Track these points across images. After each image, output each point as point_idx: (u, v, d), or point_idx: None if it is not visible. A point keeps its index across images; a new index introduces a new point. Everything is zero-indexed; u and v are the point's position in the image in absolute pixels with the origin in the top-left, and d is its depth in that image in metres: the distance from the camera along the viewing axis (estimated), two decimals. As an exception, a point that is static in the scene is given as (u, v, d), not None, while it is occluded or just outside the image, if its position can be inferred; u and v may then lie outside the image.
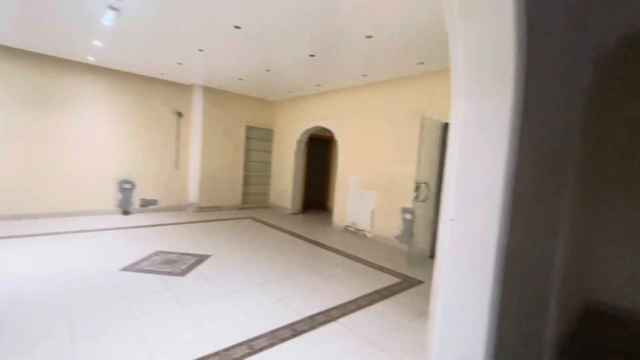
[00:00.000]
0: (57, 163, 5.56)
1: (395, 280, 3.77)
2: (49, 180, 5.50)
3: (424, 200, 4.27)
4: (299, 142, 7.43)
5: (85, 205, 5.89)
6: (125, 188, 6.30)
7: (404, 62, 4.40)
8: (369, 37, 3.59)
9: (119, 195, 6.25)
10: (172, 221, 6.01)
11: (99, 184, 6.02)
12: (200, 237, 5.03)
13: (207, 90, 6.97)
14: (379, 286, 3.54)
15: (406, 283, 3.69)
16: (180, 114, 6.88)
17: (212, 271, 3.62)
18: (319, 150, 8.82)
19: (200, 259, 4.00)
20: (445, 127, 4.59)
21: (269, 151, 8.27)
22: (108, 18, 3.54)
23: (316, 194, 9.01)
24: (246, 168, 7.84)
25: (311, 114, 7.03)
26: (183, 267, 3.66)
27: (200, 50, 4.55)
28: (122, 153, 6.24)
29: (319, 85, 6.09)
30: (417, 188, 4.28)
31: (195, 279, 3.37)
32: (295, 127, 7.47)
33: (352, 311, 2.92)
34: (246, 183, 7.89)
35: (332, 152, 8.35)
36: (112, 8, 3.40)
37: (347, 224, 6.08)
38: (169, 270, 3.56)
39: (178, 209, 7.05)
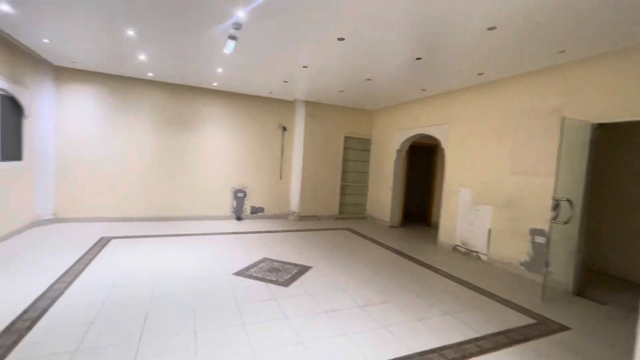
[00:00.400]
0: (187, 174, 6.60)
1: (528, 320, 3.05)
2: (181, 189, 6.56)
3: (566, 222, 3.39)
4: (398, 151, 7.04)
5: (207, 211, 6.80)
6: (239, 197, 7.03)
7: (537, 53, 3.63)
8: (491, 28, 3.07)
9: (234, 203, 7.01)
10: (276, 229, 6.39)
11: (218, 192, 6.88)
12: (301, 246, 5.16)
13: (309, 104, 7.27)
14: (505, 326, 2.91)
15: (544, 326, 2.94)
16: (284, 128, 7.36)
17: (314, 285, 3.60)
18: (422, 159, 8.21)
19: (302, 270, 4.05)
20: (597, 129, 3.59)
21: (366, 161, 8.11)
22: (229, 47, 3.98)
23: (417, 206, 8.39)
24: (343, 178, 7.85)
25: (413, 121, 6.58)
26: (286, 277, 3.75)
27: (304, 67, 4.73)
28: (236, 165, 7.01)
29: (424, 89, 5.64)
30: (556, 206, 3.42)
31: (297, 291, 3.39)
32: (394, 136, 7.12)
33: (474, 354, 2.43)
34: (343, 193, 7.89)
35: (437, 161, 7.64)
36: (232, 38, 3.79)
37: (456, 243, 5.38)
38: (274, 279, 3.69)
39: (281, 216, 7.50)
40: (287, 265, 4.18)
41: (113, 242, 4.73)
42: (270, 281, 3.62)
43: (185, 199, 6.60)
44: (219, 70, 5.19)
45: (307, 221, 7.35)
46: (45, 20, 3.66)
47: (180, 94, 6.40)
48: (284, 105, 7.35)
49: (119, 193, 6.07)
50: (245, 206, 7.13)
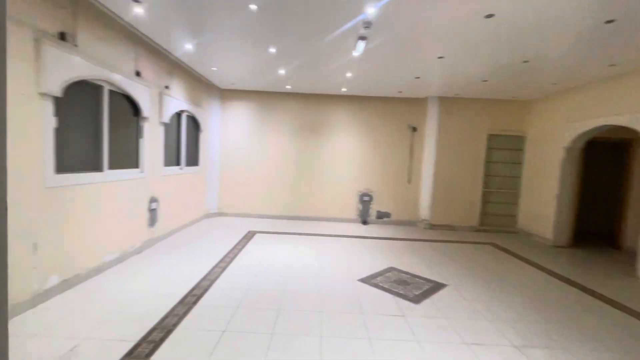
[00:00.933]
0: (318, 177, 6.97)
1: None
2: (312, 191, 6.98)
3: None
4: (569, 149, 5.45)
5: (335, 213, 7.01)
6: (365, 200, 6.96)
7: None
8: None
9: (360, 206, 6.99)
10: (404, 236, 5.97)
11: (345, 195, 7.00)
12: (433, 259, 4.60)
13: (442, 100, 6.55)
14: None
15: None
16: (414, 129, 6.86)
17: (449, 307, 3.08)
18: (604, 159, 6.18)
19: (435, 287, 3.55)
20: None
21: (517, 163, 6.68)
22: (359, 48, 3.92)
23: (597, 222, 6.37)
24: (486, 184, 6.69)
25: (594, 108, 4.96)
26: (417, 293, 3.36)
27: (440, 57, 4.21)
28: (362, 168, 6.97)
29: (613, 65, 4.14)
30: None
31: (429, 311, 2.97)
32: (562, 130, 5.56)
33: None
34: (485, 201, 6.73)
35: (633, 162, 5.57)
36: (362, 38, 3.70)
37: (674, 281, 3.69)
38: (402, 292, 3.36)
39: (409, 223, 7.01)
40: (417, 279, 3.76)
41: (257, 236, 5.41)
42: (398, 294, 3.31)
43: (315, 200, 7.00)
44: (348, 74, 5.24)
45: (438, 231, 6.61)
46: (215, 53, 4.51)
47: (313, 102, 6.84)
48: (414, 104, 6.86)
49: (262, 193, 6.97)
50: (371, 210, 7.00)
